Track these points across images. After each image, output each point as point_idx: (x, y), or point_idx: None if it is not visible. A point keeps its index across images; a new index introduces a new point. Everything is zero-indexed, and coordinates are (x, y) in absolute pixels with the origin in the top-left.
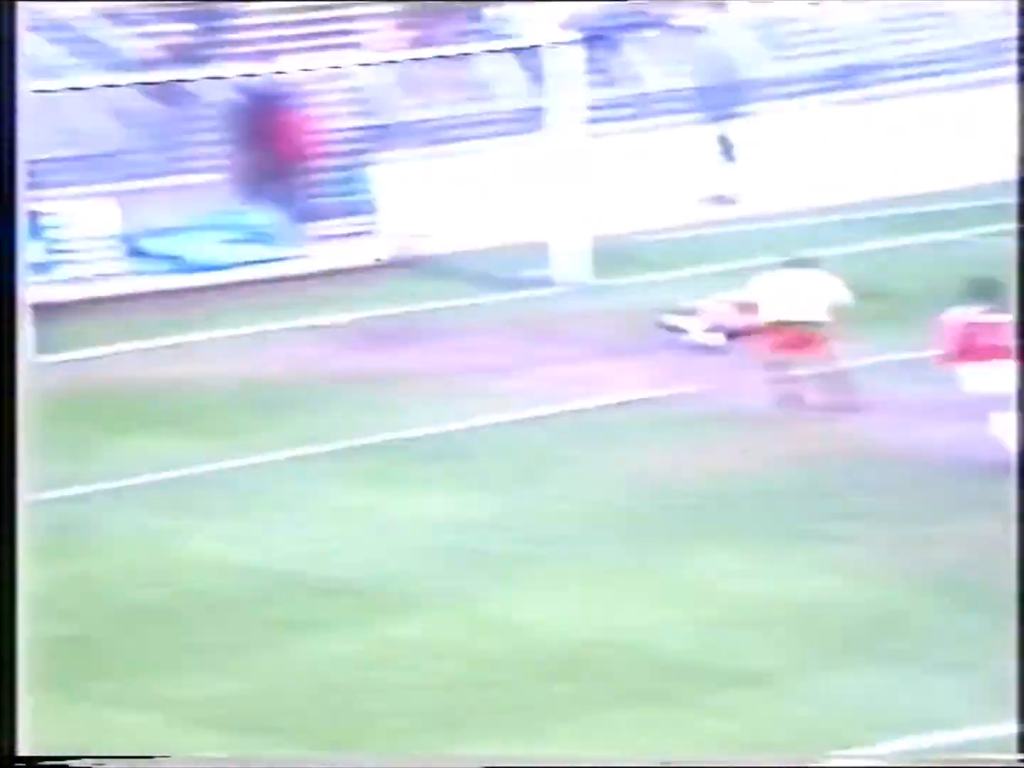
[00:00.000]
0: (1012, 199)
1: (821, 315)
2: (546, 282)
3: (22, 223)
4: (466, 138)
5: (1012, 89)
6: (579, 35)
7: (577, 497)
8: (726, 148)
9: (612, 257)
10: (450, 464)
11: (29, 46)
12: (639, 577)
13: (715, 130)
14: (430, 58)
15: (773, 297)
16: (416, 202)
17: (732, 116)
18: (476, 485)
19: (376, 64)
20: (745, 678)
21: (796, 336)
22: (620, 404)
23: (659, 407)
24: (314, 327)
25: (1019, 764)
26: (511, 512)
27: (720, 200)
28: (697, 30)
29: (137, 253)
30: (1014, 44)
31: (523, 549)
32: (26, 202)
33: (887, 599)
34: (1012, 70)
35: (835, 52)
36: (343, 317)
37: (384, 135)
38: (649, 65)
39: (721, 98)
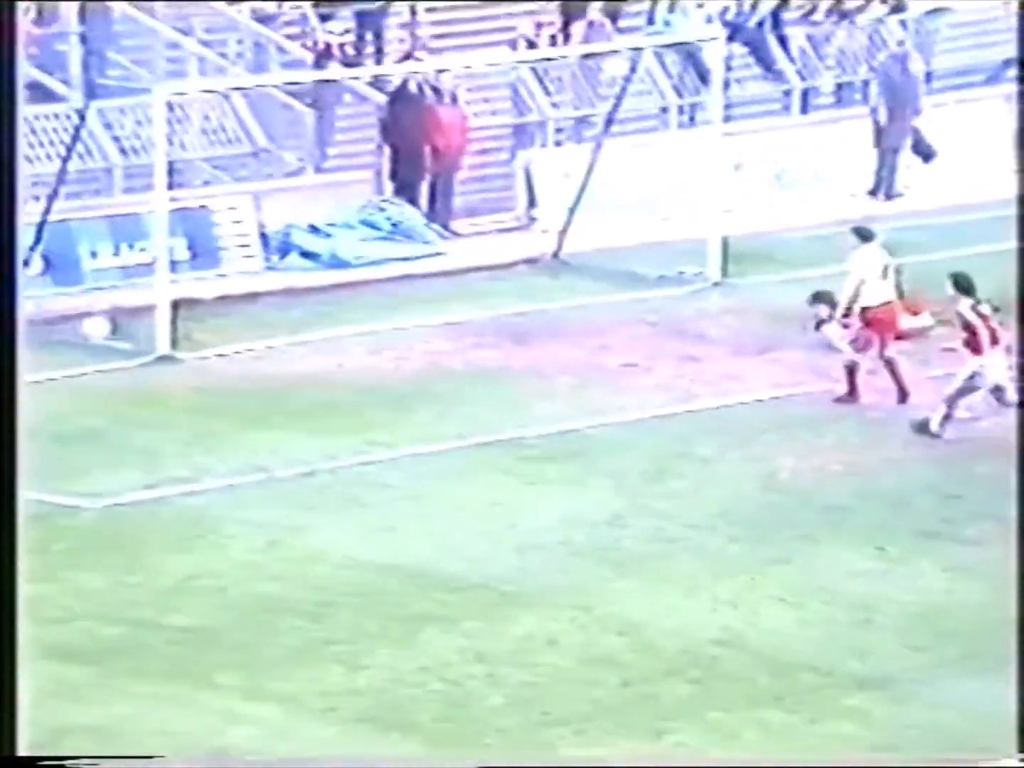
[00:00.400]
0: None
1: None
2: (685, 280)
3: (20, 229)
4: (612, 134)
5: None
6: (733, 28)
7: (704, 495)
8: (913, 142)
9: (753, 255)
10: (579, 461)
11: (191, 48)
12: (765, 576)
13: (895, 124)
14: (578, 54)
15: (869, 277)
16: (557, 199)
17: (913, 110)
18: (604, 482)
19: (525, 61)
20: (871, 681)
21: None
22: (752, 402)
23: (791, 405)
24: (450, 323)
25: (1019, 764)
26: (637, 510)
27: (883, 195)
28: (852, 22)
29: (280, 250)
30: None
31: (648, 547)
32: (25, 206)
33: (1015, 602)
34: None
35: (992, 45)
36: (480, 314)
37: (530, 132)
38: (807, 57)
39: (899, 90)
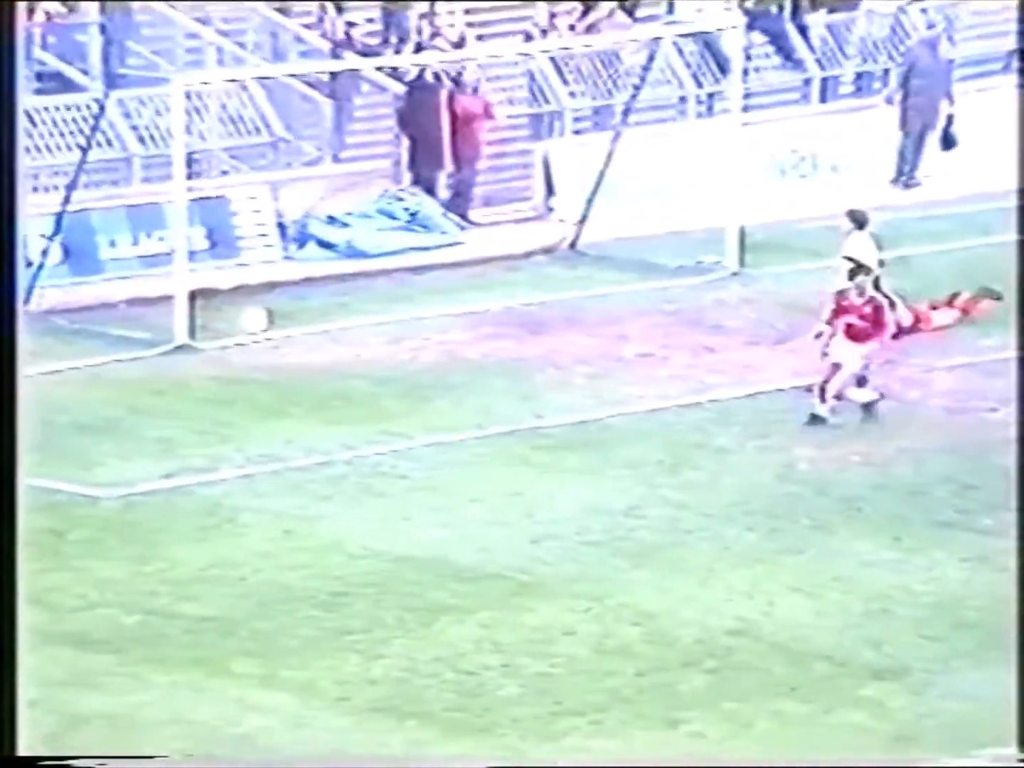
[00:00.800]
0: None
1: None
2: (702, 270)
3: (21, 223)
4: (630, 124)
5: None
6: (752, 17)
7: (721, 485)
8: (943, 130)
9: (771, 244)
10: (595, 451)
11: (208, 38)
12: (780, 567)
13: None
14: (597, 44)
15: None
16: (575, 188)
17: (943, 96)
18: (620, 472)
19: (544, 51)
20: (886, 671)
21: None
22: (769, 392)
23: (808, 396)
24: (467, 313)
25: (1019, 764)
26: (654, 500)
27: (904, 184)
28: (874, 12)
29: (297, 240)
30: None
31: (664, 537)
32: (25, 203)
33: None
34: None
35: (1004, 34)
36: (497, 304)
37: (548, 121)
38: (827, 46)
39: (927, 76)
